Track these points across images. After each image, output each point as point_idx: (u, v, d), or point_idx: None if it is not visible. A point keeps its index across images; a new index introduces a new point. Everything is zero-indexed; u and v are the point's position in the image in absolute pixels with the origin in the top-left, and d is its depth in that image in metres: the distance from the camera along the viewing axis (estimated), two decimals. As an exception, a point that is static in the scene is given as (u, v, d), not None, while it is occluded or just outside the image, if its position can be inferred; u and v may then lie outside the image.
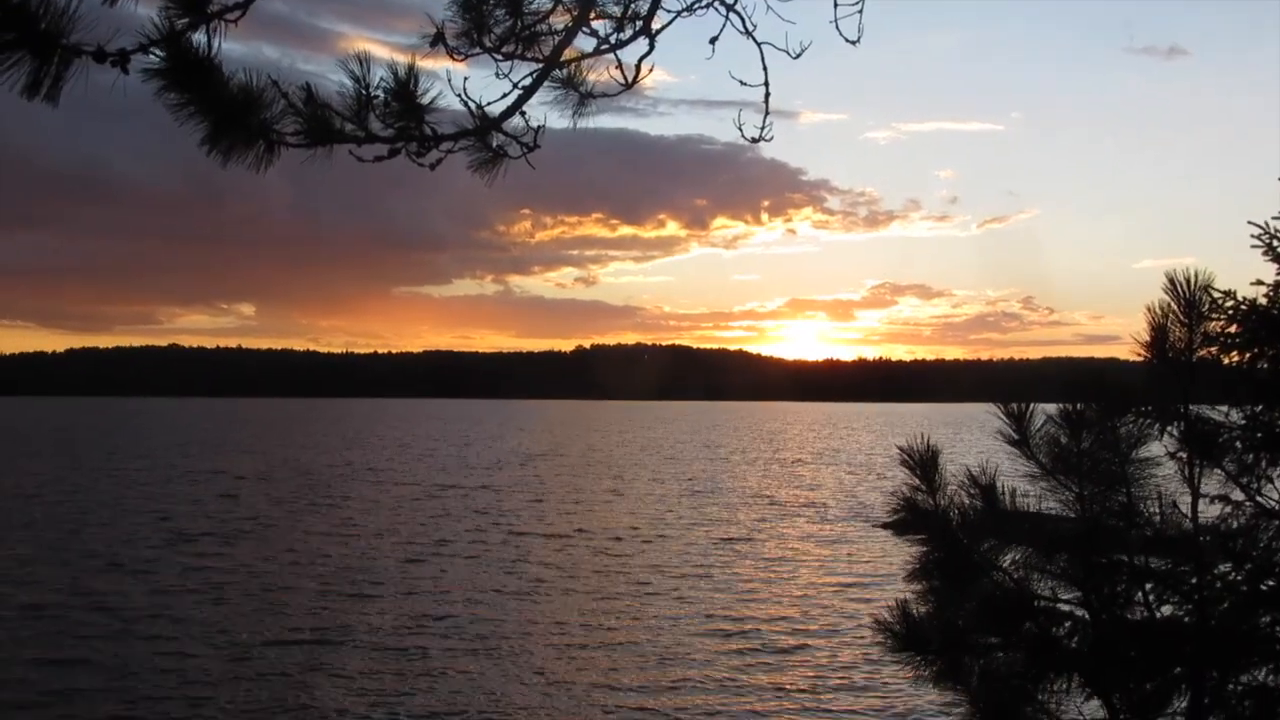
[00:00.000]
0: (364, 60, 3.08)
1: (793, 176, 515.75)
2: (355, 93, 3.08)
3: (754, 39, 3.76)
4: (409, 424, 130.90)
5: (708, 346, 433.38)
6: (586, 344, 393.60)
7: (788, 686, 16.00)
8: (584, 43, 3.55)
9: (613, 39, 3.55)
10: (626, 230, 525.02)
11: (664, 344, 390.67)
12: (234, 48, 2.88)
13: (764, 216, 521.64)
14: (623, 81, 3.64)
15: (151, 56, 2.74)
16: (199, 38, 2.83)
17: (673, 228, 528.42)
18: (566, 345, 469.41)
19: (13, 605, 20.14)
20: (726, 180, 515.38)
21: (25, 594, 21.24)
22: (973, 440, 79.10)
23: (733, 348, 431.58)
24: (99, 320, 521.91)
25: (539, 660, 17.16)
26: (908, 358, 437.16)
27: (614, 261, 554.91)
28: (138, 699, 14.70)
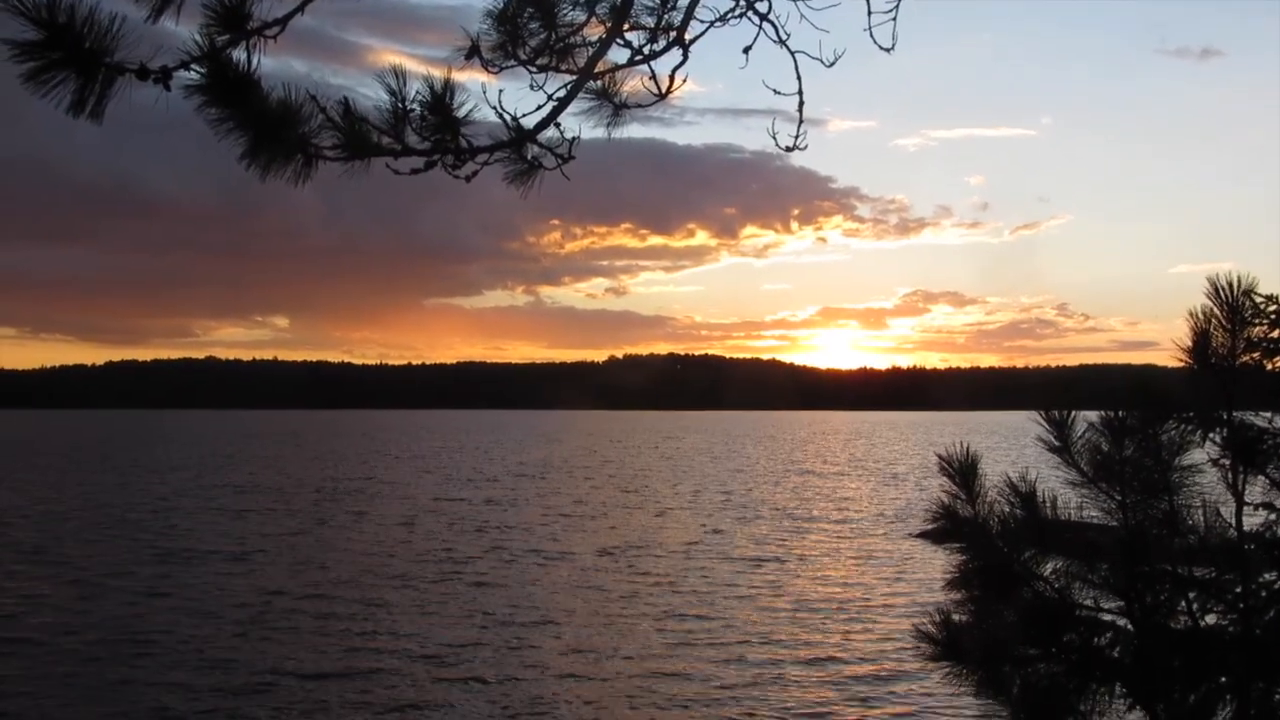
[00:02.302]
0: (400, 74, 3.10)
1: (822, 184, 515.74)
2: (392, 106, 3.10)
3: (788, 48, 3.75)
4: (438, 436, 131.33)
5: (740, 356, 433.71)
6: (618, 354, 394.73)
7: (828, 697, 15.92)
8: (618, 54, 3.55)
9: (646, 50, 3.55)
10: (656, 240, 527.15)
11: (696, 354, 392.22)
12: (265, 63, 2.92)
13: (794, 225, 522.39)
14: (656, 92, 3.63)
15: (192, 73, 2.78)
16: (238, 54, 2.87)
17: (702, 237, 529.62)
18: (598, 355, 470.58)
19: (16, 625, 19.94)
20: (756, 189, 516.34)
21: (29, 613, 21.10)
22: (1010, 448, 78.44)
23: (765, 357, 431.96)
24: (137, 333, 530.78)
25: (568, 678, 17.13)
26: (942, 365, 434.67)
27: (644, 271, 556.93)
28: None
